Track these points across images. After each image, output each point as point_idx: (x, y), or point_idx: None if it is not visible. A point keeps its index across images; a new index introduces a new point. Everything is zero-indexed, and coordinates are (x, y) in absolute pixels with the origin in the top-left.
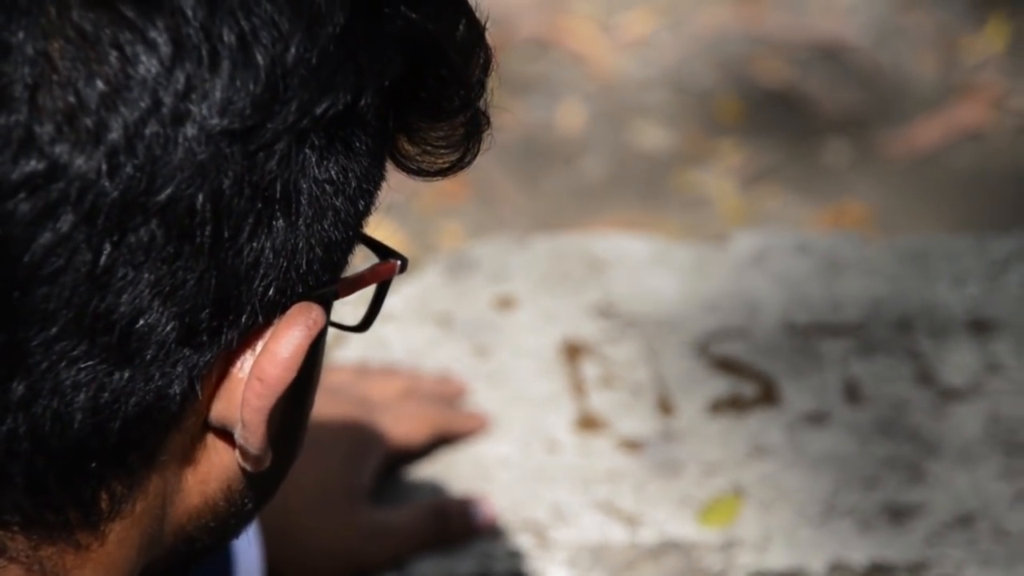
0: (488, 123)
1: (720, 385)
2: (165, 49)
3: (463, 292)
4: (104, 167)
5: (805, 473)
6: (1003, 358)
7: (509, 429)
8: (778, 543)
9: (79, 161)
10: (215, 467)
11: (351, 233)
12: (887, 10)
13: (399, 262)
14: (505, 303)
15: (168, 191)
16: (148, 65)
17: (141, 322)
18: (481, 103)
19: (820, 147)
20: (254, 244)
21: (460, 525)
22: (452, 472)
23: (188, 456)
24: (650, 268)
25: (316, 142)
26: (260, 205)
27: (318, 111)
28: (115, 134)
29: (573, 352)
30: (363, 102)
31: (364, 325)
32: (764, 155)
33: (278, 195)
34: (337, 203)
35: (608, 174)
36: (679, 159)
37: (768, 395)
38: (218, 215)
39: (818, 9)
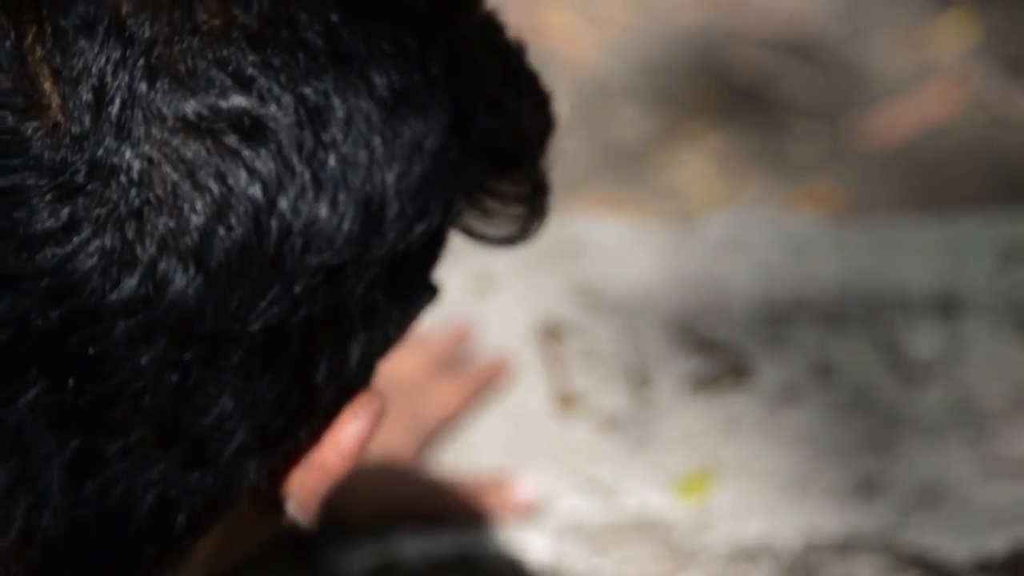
0: (550, 191)
1: (697, 363)
2: (268, 179)
3: (442, 272)
4: (203, 294)
5: (780, 449)
6: (971, 337)
7: (489, 407)
8: (754, 517)
9: (179, 286)
10: (260, 529)
11: (416, 308)
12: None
13: (434, 294)
14: (484, 283)
15: (262, 322)
16: (251, 194)
17: (220, 433)
18: (543, 172)
19: (792, 135)
20: (335, 358)
21: (501, 506)
22: (434, 448)
23: (237, 525)
24: (627, 249)
25: (403, 260)
26: (345, 325)
27: (412, 237)
28: (216, 262)
29: (552, 331)
30: (452, 216)
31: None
32: (738, 142)
33: (363, 313)
34: (412, 301)
35: (586, 161)
36: (656, 146)
37: (743, 373)
38: (305, 339)
39: None
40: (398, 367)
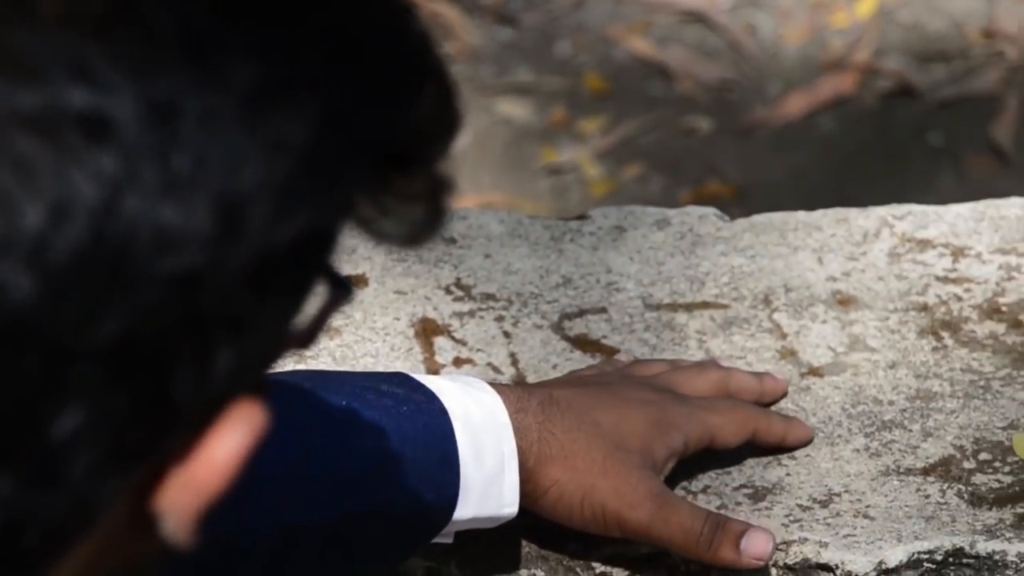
0: (453, 188)
1: (577, 364)
2: (110, 181)
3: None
4: (41, 301)
5: None
6: (865, 335)
7: None
8: None
9: (15, 292)
10: (137, 549)
11: (299, 312)
12: None
13: (346, 292)
14: (356, 281)
15: (107, 332)
16: (90, 197)
17: (69, 449)
18: (444, 170)
19: (684, 120)
20: (197, 369)
21: (731, 543)
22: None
23: (108, 544)
24: (506, 245)
25: (273, 264)
26: (206, 335)
27: (278, 240)
28: (54, 269)
29: (426, 332)
30: (327, 223)
31: (305, 345)
32: (627, 129)
33: (227, 321)
34: (292, 306)
35: (468, 148)
36: (541, 133)
37: None
38: (160, 350)
39: None
40: (691, 383)
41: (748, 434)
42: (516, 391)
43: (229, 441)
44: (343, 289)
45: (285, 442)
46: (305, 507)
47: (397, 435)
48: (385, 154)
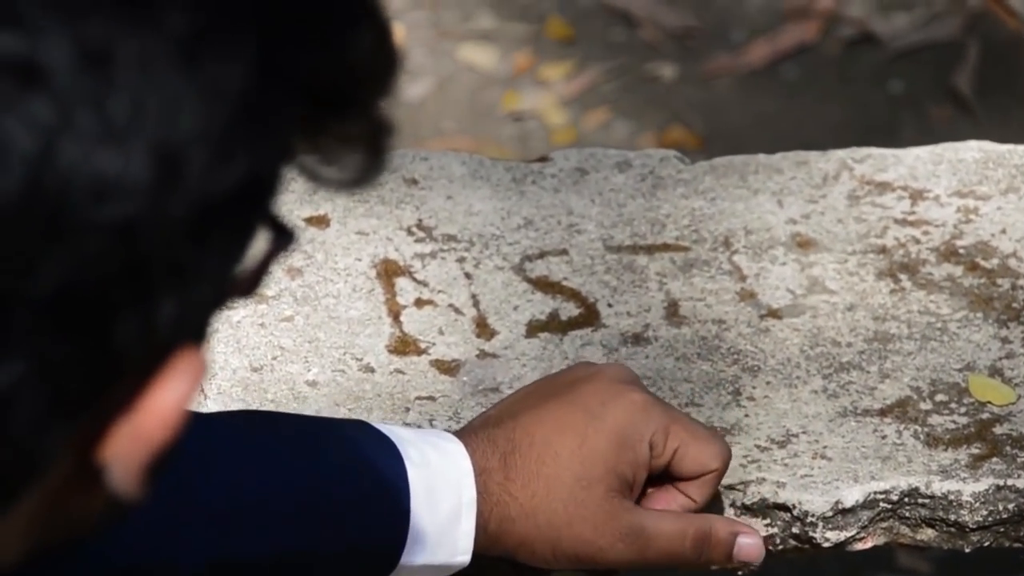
0: (392, 132)
1: (538, 305)
2: (44, 128)
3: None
4: None
5: None
6: (824, 277)
7: (322, 352)
8: None
9: None
10: (86, 500)
11: (241, 260)
12: None
13: (289, 238)
14: (318, 223)
15: (46, 283)
16: (25, 145)
17: (9, 399)
18: (383, 113)
19: (647, 67)
20: (138, 318)
21: (721, 555)
22: (262, 396)
23: (57, 495)
24: (468, 187)
25: (213, 211)
26: (147, 283)
27: (218, 186)
28: None
29: (388, 273)
30: (267, 169)
31: (248, 292)
32: (590, 76)
33: (169, 269)
34: (234, 254)
35: (431, 95)
36: (505, 80)
37: (587, 315)
38: (100, 300)
39: None
40: None
41: (712, 473)
42: (482, 445)
43: (173, 391)
44: (285, 235)
45: (212, 476)
46: (232, 542)
47: (338, 476)
48: (322, 96)
